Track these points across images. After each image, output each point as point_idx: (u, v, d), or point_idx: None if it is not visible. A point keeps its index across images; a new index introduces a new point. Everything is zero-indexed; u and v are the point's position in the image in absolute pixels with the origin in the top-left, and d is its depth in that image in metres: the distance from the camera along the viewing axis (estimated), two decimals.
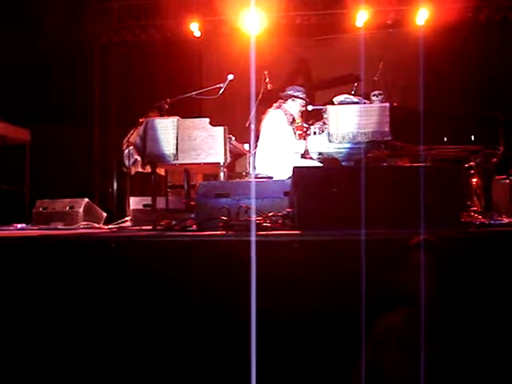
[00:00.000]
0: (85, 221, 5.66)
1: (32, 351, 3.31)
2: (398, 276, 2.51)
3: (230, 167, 5.71)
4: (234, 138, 5.20)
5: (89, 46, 9.38)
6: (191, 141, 4.96)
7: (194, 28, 8.94)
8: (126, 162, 7.15)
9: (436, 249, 2.49)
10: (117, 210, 8.06)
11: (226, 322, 3.14)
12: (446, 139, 5.12)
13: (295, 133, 5.78)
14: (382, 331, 2.56)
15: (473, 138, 5.15)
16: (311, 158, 5.46)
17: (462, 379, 2.35)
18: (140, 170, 7.15)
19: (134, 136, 6.69)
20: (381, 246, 3.09)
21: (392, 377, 2.43)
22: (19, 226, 5.56)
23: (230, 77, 5.42)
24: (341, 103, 5.18)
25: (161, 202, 5.62)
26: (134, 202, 6.06)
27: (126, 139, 7.30)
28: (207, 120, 5.00)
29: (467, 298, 2.83)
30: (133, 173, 7.31)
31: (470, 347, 2.39)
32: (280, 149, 5.60)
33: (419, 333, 2.36)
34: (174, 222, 4.47)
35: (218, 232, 3.64)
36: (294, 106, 5.83)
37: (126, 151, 7.16)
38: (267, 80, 5.79)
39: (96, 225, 5.57)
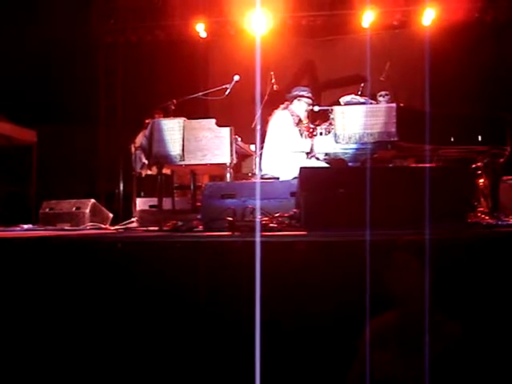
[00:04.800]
0: (91, 222, 5.66)
1: (34, 352, 3.32)
2: (395, 277, 2.48)
3: (236, 168, 5.70)
4: (240, 139, 5.20)
5: (94, 47, 9.42)
6: (197, 141, 4.96)
7: (200, 29, 8.96)
8: (134, 165, 7.17)
9: (425, 249, 2.44)
10: (123, 211, 8.07)
11: (232, 322, 3.13)
12: (452, 139, 5.10)
13: (302, 133, 5.76)
14: (376, 332, 2.55)
15: (480, 138, 5.13)
16: (317, 158, 5.45)
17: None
18: (149, 172, 7.16)
19: (140, 138, 6.70)
20: (387, 246, 3.07)
21: (384, 377, 2.41)
22: (25, 226, 5.56)
23: (236, 78, 5.42)
24: (347, 104, 5.16)
25: (167, 203, 5.62)
26: (141, 203, 6.08)
27: (133, 143, 7.32)
28: (213, 121, 5.00)
29: (470, 299, 2.81)
30: (143, 175, 7.32)
31: (469, 350, 2.35)
32: (286, 149, 5.59)
33: (414, 334, 2.34)
34: (180, 223, 4.47)
35: (224, 233, 3.64)
36: (300, 107, 5.82)
37: (134, 154, 7.17)
38: (273, 81, 5.78)
39: (102, 226, 5.57)
